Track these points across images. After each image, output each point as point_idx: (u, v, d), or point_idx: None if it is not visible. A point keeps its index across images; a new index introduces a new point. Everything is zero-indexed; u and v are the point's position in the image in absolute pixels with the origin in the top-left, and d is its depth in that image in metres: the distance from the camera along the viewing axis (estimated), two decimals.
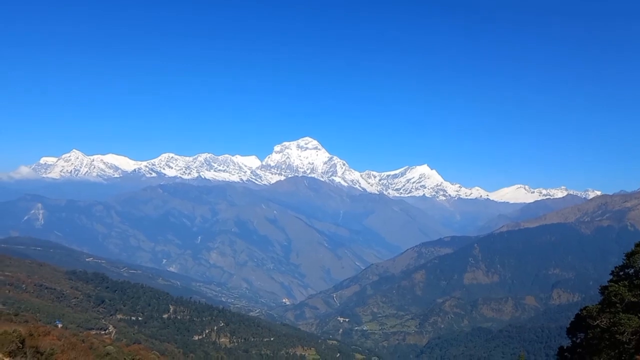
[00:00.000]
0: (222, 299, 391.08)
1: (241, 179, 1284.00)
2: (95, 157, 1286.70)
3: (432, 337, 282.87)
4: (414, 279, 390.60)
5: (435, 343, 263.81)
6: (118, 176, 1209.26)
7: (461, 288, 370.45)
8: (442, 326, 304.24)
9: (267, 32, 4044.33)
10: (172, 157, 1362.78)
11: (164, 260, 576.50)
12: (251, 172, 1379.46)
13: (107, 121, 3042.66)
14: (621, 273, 33.18)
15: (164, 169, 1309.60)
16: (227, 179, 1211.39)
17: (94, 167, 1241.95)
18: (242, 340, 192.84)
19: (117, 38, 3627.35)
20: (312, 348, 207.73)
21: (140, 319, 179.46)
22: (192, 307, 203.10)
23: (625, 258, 32.75)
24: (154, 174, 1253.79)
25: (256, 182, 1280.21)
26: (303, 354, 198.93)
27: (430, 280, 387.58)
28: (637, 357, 30.88)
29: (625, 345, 30.78)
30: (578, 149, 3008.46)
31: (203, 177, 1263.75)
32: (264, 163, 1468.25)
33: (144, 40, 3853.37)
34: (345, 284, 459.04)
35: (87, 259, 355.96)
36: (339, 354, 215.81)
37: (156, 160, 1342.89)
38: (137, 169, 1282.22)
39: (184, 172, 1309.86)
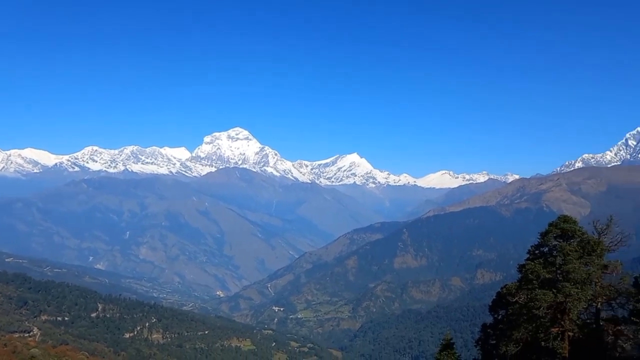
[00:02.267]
0: (154, 294, 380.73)
1: (170, 172, 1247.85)
2: (12, 151, 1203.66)
3: (364, 321, 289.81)
4: (347, 265, 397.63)
5: (368, 327, 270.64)
6: (38, 171, 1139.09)
7: (392, 272, 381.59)
8: (374, 310, 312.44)
9: (194, 16, 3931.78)
10: (96, 150, 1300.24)
11: (91, 258, 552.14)
12: (181, 164, 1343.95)
13: (24, 114, 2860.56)
14: (537, 252, 35.59)
15: (87, 162, 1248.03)
16: (155, 172, 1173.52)
17: (11, 163, 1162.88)
18: (176, 335, 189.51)
19: (35, 27, 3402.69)
20: (247, 339, 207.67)
21: (67, 319, 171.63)
22: (122, 304, 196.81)
23: (540, 237, 35.19)
24: (77, 169, 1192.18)
25: (186, 174, 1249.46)
26: (238, 345, 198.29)
27: (362, 265, 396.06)
28: (552, 329, 33.47)
29: (542, 319, 33.24)
30: (498, 135, 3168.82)
31: (130, 170, 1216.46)
32: (193, 154, 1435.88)
33: (63, 29, 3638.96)
34: (279, 273, 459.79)
35: (7, 259, 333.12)
36: (274, 343, 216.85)
37: (79, 154, 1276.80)
38: (58, 164, 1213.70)
39: (110, 165, 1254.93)
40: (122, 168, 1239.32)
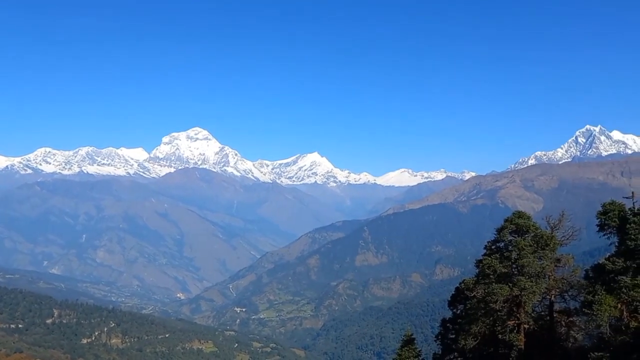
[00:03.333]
0: (112, 298, 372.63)
1: (128, 173, 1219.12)
2: None
3: (327, 320, 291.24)
4: (309, 264, 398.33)
5: (331, 325, 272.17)
6: None
7: (353, 270, 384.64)
8: (337, 308, 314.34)
9: (153, 16, 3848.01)
10: (49, 152, 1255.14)
11: (45, 262, 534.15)
12: (138, 165, 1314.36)
13: None
14: (493, 247, 36.53)
15: (40, 164, 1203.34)
16: (112, 173, 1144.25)
17: None
18: (136, 340, 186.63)
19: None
20: (209, 341, 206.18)
21: (20, 326, 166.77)
22: (79, 309, 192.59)
23: (496, 233, 36.16)
24: (29, 171, 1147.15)
25: (144, 175, 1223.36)
26: (200, 347, 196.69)
27: (324, 264, 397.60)
28: (509, 322, 34.46)
29: (498, 313, 34.15)
30: (454, 134, 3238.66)
31: (85, 172, 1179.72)
32: (151, 155, 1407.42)
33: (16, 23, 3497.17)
34: (241, 274, 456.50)
35: None
36: (236, 344, 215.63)
37: (31, 156, 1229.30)
38: (9, 166, 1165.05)
39: (64, 167, 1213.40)
40: (77, 170, 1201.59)
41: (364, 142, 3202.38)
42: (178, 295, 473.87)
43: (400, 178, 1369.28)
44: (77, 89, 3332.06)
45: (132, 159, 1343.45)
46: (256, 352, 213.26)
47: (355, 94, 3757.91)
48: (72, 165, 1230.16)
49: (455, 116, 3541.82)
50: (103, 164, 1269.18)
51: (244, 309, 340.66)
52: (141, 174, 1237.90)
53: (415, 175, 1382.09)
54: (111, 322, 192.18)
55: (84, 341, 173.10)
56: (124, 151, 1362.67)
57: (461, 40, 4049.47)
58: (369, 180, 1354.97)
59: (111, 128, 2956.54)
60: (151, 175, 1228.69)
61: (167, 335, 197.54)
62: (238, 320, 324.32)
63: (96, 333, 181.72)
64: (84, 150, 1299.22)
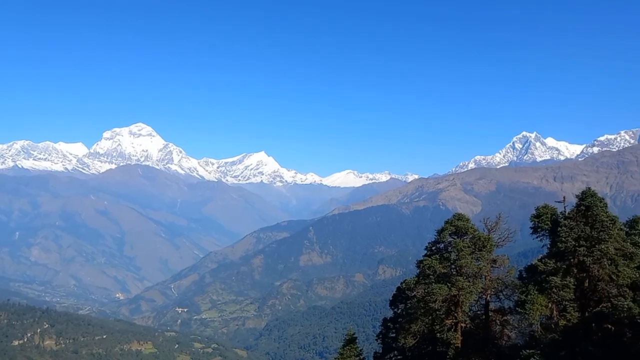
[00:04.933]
0: (47, 298, 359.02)
1: (66, 168, 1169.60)
2: None
3: (270, 320, 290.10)
4: (253, 264, 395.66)
5: (274, 325, 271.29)
6: None
7: (298, 270, 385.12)
8: (280, 308, 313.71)
9: (95, 7, 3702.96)
10: None
11: None
12: (77, 161, 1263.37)
13: None
14: (433, 248, 37.42)
15: None
16: (49, 169, 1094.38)
17: None
18: (71, 341, 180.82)
19: None
20: (148, 342, 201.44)
21: None
22: (11, 310, 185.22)
23: (436, 234, 37.06)
24: None
25: (83, 171, 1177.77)
26: (139, 348, 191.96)
27: (269, 264, 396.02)
28: (447, 321, 35.36)
29: (437, 312, 34.99)
30: (399, 137, 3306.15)
31: (20, 166, 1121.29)
32: (92, 151, 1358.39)
33: None
34: (183, 273, 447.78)
35: None
36: (177, 345, 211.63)
37: None
38: None
39: None
40: (12, 164, 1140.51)
41: (311, 143, 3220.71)
42: (117, 295, 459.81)
43: (346, 179, 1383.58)
44: (12, 79, 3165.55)
45: (70, 154, 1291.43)
46: (197, 352, 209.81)
47: (302, 94, 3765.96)
48: (5, 160, 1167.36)
49: (400, 120, 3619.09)
50: (40, 158, 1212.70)
51: (185, 310, 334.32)
52: (80, 169, 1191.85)
53: (361, 177, 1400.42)
54: (45, 323, 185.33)
55: (15, 343, 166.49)
56: (62, 146, 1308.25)
57: (408, 43, 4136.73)
58: (315, 181, 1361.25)
59: (49, 121, 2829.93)
60: (91, 171, 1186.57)
61: (104, 337, 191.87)
62: (179, 320, 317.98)
63: (28, 334, 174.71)
64: (19, 144, 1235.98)
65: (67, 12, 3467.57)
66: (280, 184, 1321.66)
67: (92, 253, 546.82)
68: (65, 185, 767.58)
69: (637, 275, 30.08)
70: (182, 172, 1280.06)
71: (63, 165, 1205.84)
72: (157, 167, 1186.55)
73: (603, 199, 32.07)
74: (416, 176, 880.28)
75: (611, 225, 30.28)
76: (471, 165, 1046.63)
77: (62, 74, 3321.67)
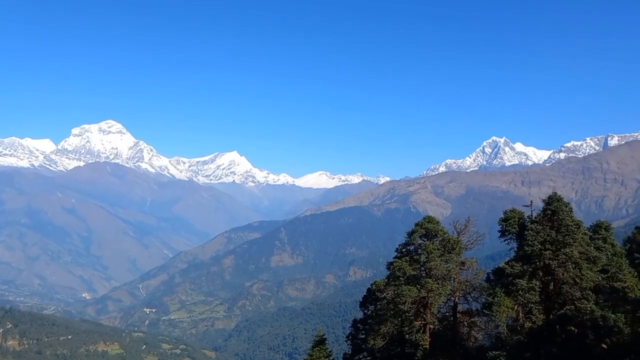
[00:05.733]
0: (10, 298, 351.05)
1: (32, 165, 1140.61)
2: None
3: (240, 320, 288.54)
4: (223, 265, 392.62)
5: (244, 325, 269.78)
6: None
7: (269, 271, 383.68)
8: (250, 309, 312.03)
9: (63, 2, 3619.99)
10: None
11: None
12: (44, 157, 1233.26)
13: None
14: (404, 250, 37.72)
15: None
16: (14, 164, 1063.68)
17: None
18: (35, 342, 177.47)
19: None
20: (115, 342, 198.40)
21: None
22: None
23: (407, 236, 37.37)
24: None
25: (50, 167, 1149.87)
26: (105, 349, 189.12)
27: (239, 264, 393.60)
28: (416, 322, 35.69)
29: (407, 314, 35.28)
30: (372, 139, 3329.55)
31: None
32: (59, 147, 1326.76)
33: None
34: (152, 273, 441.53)
35: None
36: (144, 346, 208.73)
37: None
38: None
39: None
40: None
41: (283, 143, 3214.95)
42: (83, 295, 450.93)
43: (319, 180, 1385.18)
44: None
45: (37, 150, 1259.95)
46: (165, 353, 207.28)
47: (276, 93, 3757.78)
48: None
49: (373, 122, 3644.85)
50: (5, 154, 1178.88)
51: (153, 310, 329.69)
52: (47, 166, 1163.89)
53: (333, 178, 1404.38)
54: (8, 322, 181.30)
55: None
56: (28, 142, 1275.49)
57: (381, 48, 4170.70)
58: (287, 181, 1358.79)
59: (15, 117, 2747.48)
60: (58, 168, 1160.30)
61: (69, 337, 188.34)
62: (147, 321, 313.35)
63: None
64: None
65: (35, 4, 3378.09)
66: (253, 184, 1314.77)
67: (58, 252, 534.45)
68: (31, 181, 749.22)
69: (600, 279, 30.90)
70: (153, 170, 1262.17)
71: (29, 161, 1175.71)
72: (127, 165, 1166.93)
73: (568, 203, 32.84)
74: (388, 178, 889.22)
75: (576, 229, 31.05)
76: (442, 169, 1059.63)
77: (29, 68, 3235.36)
